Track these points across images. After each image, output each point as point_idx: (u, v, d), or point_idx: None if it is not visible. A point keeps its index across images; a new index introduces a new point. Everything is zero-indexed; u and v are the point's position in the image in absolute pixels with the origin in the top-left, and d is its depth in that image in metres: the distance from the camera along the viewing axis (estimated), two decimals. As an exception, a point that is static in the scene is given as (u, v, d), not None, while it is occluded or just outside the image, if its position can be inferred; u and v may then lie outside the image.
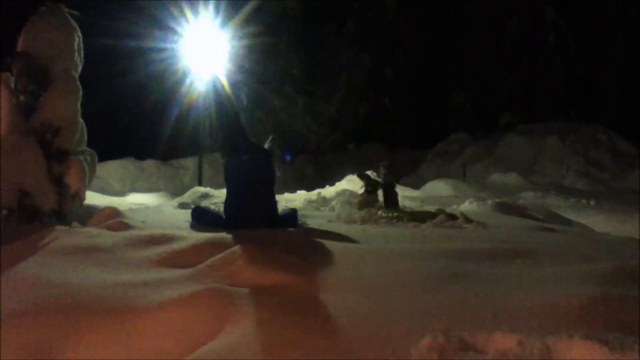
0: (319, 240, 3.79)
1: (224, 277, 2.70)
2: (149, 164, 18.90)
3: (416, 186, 14.54)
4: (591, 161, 17.42)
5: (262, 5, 20.17)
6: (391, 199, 6.65)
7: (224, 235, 3.77)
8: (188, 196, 9.47)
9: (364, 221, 5.66)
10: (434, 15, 25.22)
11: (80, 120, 5.51)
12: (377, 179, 7.02)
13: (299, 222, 5.31)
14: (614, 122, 20.42)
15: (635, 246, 4.02)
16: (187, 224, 5.17)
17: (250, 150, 5.08)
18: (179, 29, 15.79)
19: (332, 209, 7.34)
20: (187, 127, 18.99)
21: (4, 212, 4.63)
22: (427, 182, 15.23)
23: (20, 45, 5.22)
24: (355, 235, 4.29)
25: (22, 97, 5.11)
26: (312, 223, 5.41)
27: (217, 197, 8.86)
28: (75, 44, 5.51)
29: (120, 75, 18.06)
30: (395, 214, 5.72)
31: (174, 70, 17.13)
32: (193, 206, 6.61)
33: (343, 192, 8.84)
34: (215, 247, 3.32)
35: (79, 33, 5.59)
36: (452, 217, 5.51)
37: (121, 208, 6.02)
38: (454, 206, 7.57)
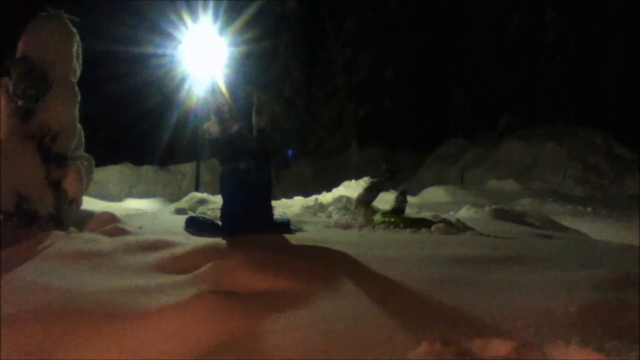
0: (316, 245, 3.80)
1: (222, 282, 2.70)
2: (147, 169, 18.89)
3: (414, 192, 14.57)
4: (589, 167, 17.45)
5: (261, 7, 20.20)
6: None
7: (222, 241, 3.78)
8: (185, 202, 9.46)
9: (361, 227, 5.67)
10: (434, 15, 25.25)
11: (78, 125, 5.52)
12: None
13: (296, 228, 5.30)
14: (613, 123, 20.46)
15: (633, 253, 4.03)
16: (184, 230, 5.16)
17: (248, 155, 5.06)
18: (177, 34, 15.80)
19: (329, 215, 7.34)
20: (185, 133, 19.00)
21: (1, 216, 4.63)
22: (425, 188, 15.25)
23: (19, 50, 5.22)
24: (352, 241, 4.29)
25: (20, 102, 5.11)
26: (310, 229, 5.41)
27: (214, 203, 8.85)
28: (74, 49, 5.52)
29: (118, 80, 18.09)
30: (392, 220, 5.72)
31: (172, 76, 17.14)
32: (190, 212, 6.60)
33: (340, 198, 8.84)
34: (213, 252, 3.33)
35: (78, 38, 5.60)
36: (449, 224, 5.52)
37: (118, 213, 6.02)
38: (451, 212, 7.58)
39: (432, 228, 5.27)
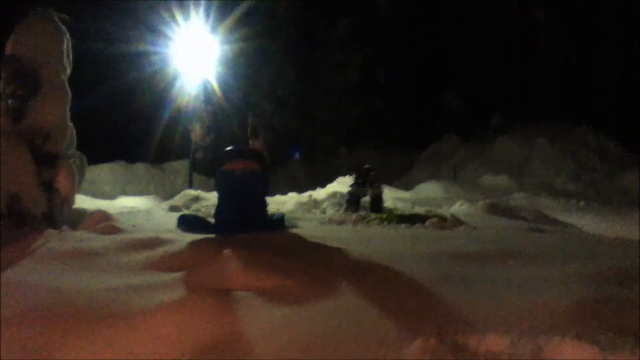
0: (311, 242, 3.79)
1: (216, 280, 2.70)
2: (139, 167, 18.82)
3: (408, 188, 14.59)
4: (581, 163, 17.53)
5: (253, 7, 20.17)
6: (377, 207, 6.77)
7: (215, 239, 3.76)
8: (179, 199, 9.45)
9: (355, 223, 5.68)
10: (426, 15, 25.26)
11: (70, 123, 5.49)
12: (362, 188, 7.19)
13: (291, 225, 5.29)
14: (607, 122, 20.52)
15: (624, 247, 4.06)
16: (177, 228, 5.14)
17: (242, 156, 5.01)
18: (169, 32, 15.78)
19: (324, 211, 7.35)
20: (178, 130, 18.95)
21: (-3, 217, 4.60)
22: (418, 184, 15.28)
23: (9, 49, 5.18)
24: (346, 238, 4.28)
25: (10, 102, 5.07)
26: (304, 225, 5.40)
27: (207, 200, 8.84)
28: (65, 48, 5.48)
29: (111, 78, 18.02)
30: (385, 216, 5.74)
31: (164, 74, 17.11)
32: (184, 210, 6.59)
33: (334, 194, 8.85)
34: (207, 250, 3.32)
35: (68, 37, 5.57)
36: (443, 219, 5.53)
37: (111, 211, 5.99)
38: (445, 207, 7.60)
39: (426, 223, 5.29)
